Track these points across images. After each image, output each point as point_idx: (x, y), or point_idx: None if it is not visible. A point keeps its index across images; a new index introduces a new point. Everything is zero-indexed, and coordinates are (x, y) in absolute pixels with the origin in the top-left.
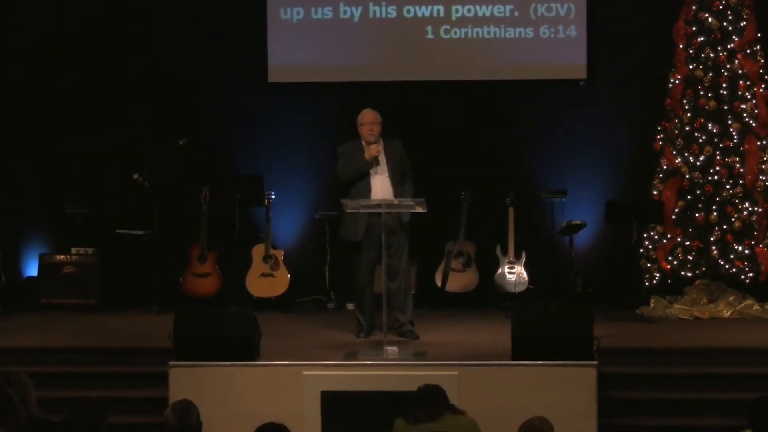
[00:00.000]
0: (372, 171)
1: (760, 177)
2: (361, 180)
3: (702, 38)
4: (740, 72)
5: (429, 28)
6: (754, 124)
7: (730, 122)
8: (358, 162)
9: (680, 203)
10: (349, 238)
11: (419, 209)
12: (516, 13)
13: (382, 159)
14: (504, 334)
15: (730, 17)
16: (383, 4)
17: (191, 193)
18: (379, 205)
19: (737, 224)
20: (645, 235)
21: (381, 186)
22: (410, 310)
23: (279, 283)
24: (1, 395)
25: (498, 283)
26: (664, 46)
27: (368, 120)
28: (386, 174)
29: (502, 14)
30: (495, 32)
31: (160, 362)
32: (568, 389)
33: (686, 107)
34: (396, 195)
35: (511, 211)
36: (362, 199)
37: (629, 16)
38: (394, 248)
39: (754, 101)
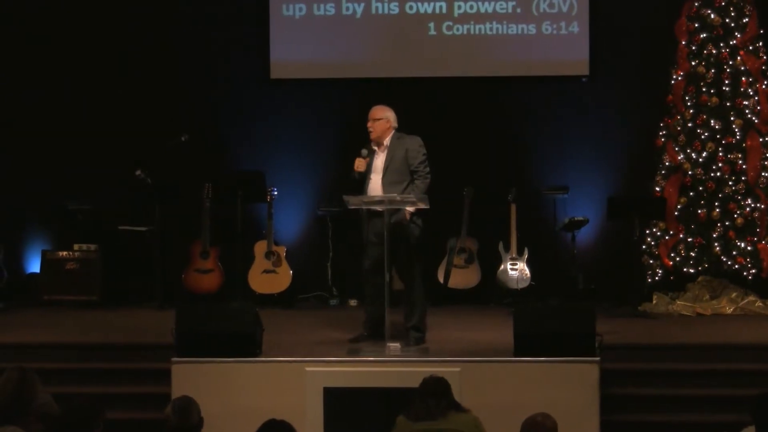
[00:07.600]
0: (371, 171)
1: (763, 173)
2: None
3: (704, 35)
4: (742, 68)
5: (431, 25)
6: (756, 121)
7: (732, 119)
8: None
9: (682, 200)
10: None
11: (421, 206)
12: (518, 10)
13: (379, 163)
14: (506, 331)
15: (732, 13)
16: (386, 0)
17: (193, 189)
18: (381, 202)
19: (739, 221)
20: (647, 232)
21: (372, 187)
22: (417, 315)
23: (281, 279)
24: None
25: (500, 280)
26: (666, 42)
27: (368, 116)
28: (379, 176)
29: (504, 11)
30: (497, 29)
31: (162, 358)
32: (571, 386)
33: (688, 104)
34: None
35: (513, 207)
36: (364, 196)
37: (631, 12)
38: (400, 249)
39: (756, 98)
